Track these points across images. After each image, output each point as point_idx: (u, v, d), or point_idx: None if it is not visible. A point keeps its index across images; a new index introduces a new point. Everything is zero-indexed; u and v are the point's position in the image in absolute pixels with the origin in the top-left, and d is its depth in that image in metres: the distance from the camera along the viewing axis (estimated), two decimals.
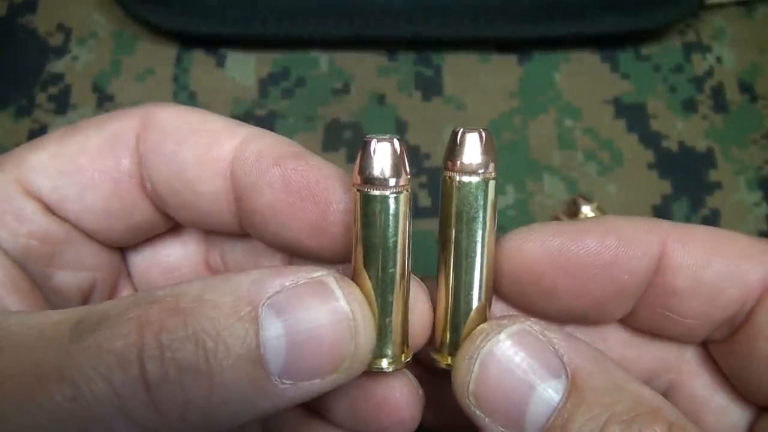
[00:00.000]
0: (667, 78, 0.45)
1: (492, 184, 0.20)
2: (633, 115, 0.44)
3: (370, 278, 0.19)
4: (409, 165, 0.19)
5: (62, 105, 0.43)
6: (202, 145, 0.21)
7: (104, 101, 0.43)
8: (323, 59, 0.45)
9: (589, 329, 0.23)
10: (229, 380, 0.17)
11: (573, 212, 0.40)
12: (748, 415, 0.23)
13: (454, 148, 0.20)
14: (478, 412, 0.19)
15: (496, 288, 0.22)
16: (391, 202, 0.19)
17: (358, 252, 0.19)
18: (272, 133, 0.22)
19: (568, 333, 0.20)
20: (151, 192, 0.22)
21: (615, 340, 0.24)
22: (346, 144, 0.42)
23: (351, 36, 0.43)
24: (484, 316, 0.20)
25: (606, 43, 0.45)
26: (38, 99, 0.43)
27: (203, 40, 0.44)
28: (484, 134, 0.19)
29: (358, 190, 0.19)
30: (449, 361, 0.21)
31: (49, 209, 0.22)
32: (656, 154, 0.43)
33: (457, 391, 0.20)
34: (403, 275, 0.20)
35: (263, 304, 0.17)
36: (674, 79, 0.45)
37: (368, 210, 0.19)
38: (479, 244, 0.20)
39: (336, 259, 0.21)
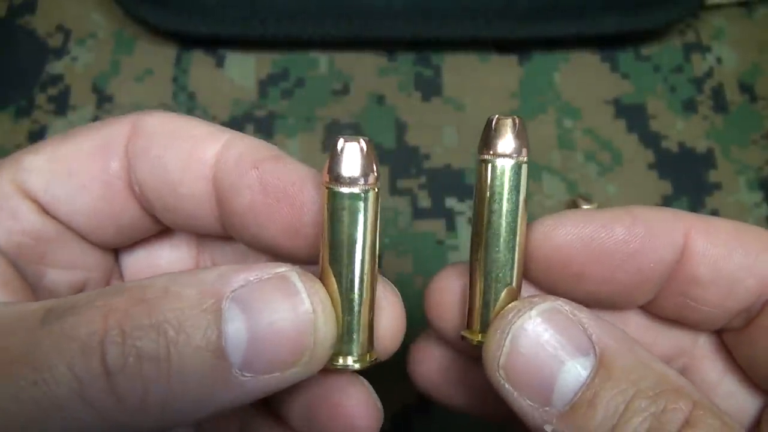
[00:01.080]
0: (667, 78, 0.45)
1: (524, 167, 0.21)
2: (633, 115, 0.44)
3: (334, 276, 0.20)
4: (377, 164, 0.20)
5: (62, 106, 0.43)
6: (186, 150, 0.22)
7: (103, 102, 0.43)
8: (323, 60, 0.45)
9: (610, 313, 0.24)
10: (189, 370, 0.17)
11: None
12: (758, 401, 0.24)
13: (489, 134, 0.21)
14: (507, 386, 0.20)
15: (526, 272, 0.22)
16: (358, 200, 0.19)
17: (324, 249, 0.20)
18: (253, 138, 0.22)
19: (596, 314, 0.20)
20: (139, 195, 0.23)
21: (635, 325, 0.24)
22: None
23: (350, 36, 0.43)
24: (515, 296, 0.21)
25: (606, 44, 0.45)
26: (38, 100, 0.43)
27: (202, 41, 0.44)
28: (517, 121, 0.21)
29: (326, 187, 0.20)
30: (480, 338, 0.21)
31: (42, 209, 0.22)
32: (656, 155, 0.43)
33: (487, 365, 0.20)
34: (368, 274, 0.20)
35: (227, 297, 0.18)
36: (674, 79, 0.45)
37: (335, 207, 0.20)
38: (512, 225, 0.21)
39: (312, 260, 0.22)
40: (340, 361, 0.20)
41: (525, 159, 0.21)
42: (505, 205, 0.21)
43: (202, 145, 0.22)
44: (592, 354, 0.19)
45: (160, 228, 0.24)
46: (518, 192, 0.21)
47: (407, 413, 0.37)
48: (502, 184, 0.21)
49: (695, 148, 0.43)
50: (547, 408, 0.19)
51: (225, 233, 0.23)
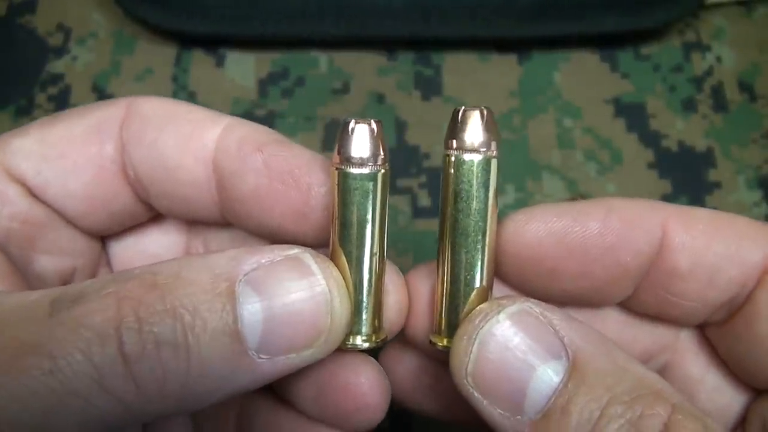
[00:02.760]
0: (667, 77, 0.45)
1: (494, 162, 0.19)
2: (632, 114, 0.44)
3: (345, 255, 0.20)
4: (385, 146, 0.20)
5: (62, 105, 0.43)
6: (184, 134, 0.21)
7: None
8: (323, 59, 0.45)
9: (588, 311, 0.23)
10: (207, 354, 0.17)
11: None
12: (742, 397, 0.23)
13: (455, 127, 0.19)
14: (476, 394, 0.19)
15: (497, 269, 0.21)
16: (368, 180, 0.20)
17: (334, 230, 0.20)
18: (253, 123, 0.22)
19: (568, 314, 0.20)
20: (133, 180, 0.22)
21: (614, 322, 0.24)
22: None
23: (350, 36, 0.43)
24: (484, 297, 0.20)
25: (605, 43, 0.45)
26: (38, 99, 0.43)
27: (202, 40, 0.44)
28: (485, 112, 0.19)
29: (336, 168, 0.20)
30: (447, 343, 0.20)
31: (31, 193, 0.22)
32: (656, 154, 0.43)
33: (454, 373, 0.19)
34: (377, 254, 0.20)
35: (240, 280, 0.18)
36: (674, 78, 0.45)
37: (345, 188, 0.20)
38: (480, 224, 0.20)
39: (318, 244, 0.21)
40: (350, 340, 0.20)
41: (495, 153, 0.19)
42: (473, 204, 0.19)
43: (201, 129, 0.21)
44: (565, 357, 0.18)
45: (151, 214, 0.24)
46: (487, 189, 0.19)
47: (408, 412, 0.37)
48: (469, 181, 0.19)
49: (695, 147, 0.43)
50: (518, 416, 0.18)
51: (221, 219, 0.23)
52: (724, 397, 0.23)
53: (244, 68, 0.44)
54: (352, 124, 0.20)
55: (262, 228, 0.22)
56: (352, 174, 0.19)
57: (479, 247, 0.20)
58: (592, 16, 0.43)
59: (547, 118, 0.43)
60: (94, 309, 0.17)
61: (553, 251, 0.21)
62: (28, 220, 0.22)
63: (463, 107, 0.19)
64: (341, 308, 0.19)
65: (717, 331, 0.22)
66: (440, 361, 0.24)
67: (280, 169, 0.21)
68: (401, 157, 0.42)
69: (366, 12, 0.42)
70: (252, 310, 0.18)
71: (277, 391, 0.24)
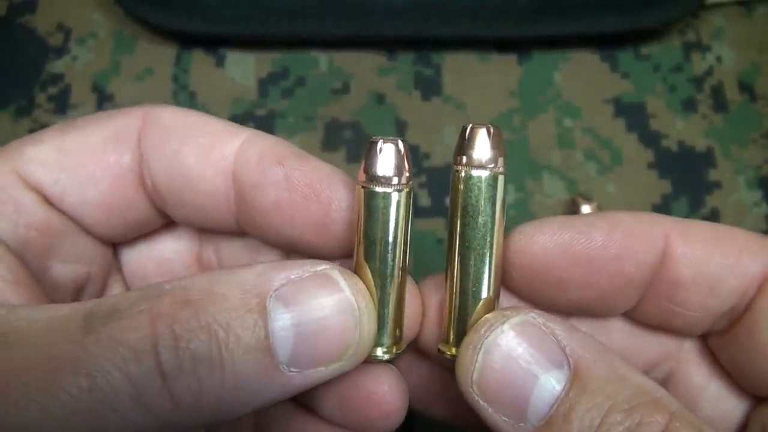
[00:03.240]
0: (667, 77, 0.45)
1: (501, 178, 0.20)
2: (633, 114, 0.44)
3: (370, 271, 0.20)
4: (410, 165, 0.20)
5: (62, 105, 0.43)
6: (204, 145, 0.22)
7: (104, 101, 0.43)
8: (323, 59, 0.45)
9: (593, 322, 0.24)
10: (240, 369, 0.18)
11: (573, 212, 0.40)
12: (744, 405, 0.23)
13: (463, 143, 0.20)
14: (481, 402, 0.20)
15: (505, 281, 0.22)
16: (393, 199, 0.20)
17: (360, 246, 0.20)
18: (272, 136, 0.22)
19: (571, 324, 0.20)
20: (150, 189, 0.22)
21: (618, 332, 0.24)
22: (345, 144, 0.42)
23: (350, 35, 0.43)
24: (491, 308, 0.21)
25: (605, 43, 0.45)
26: (38, 99, 0.43)
27: (203, 40, 0.44)
28: (492, 130, 0.20)
29: (363, 187, 0.20)
30: (455, 352, 0.21)
31: (47, 201, 0.22)
32: (656, 154, 0.43)
33: (460, 381, 0.20)
34: (401, 268, 0.21)
35: (271, 296, 0.18)
36: (674, 78, 0.45)
37: (371, 206, 0.20)
38: (487, 237, 0.20)
39: (335, 255, 0.22)
40: (374, 352, 0.21)
41: (501, 170, 0.20)
42: (480, 218, 0.20)
43: (221, 141, 0.22)
44: (566, 366, 0.19)
45: (164, 222, 0.24)
46: (494, 204, 0.20)
47: (408, 412, 0.37)
48: (476, 196, 0.20)
49: (695, 147, 0.43)
50: (522, 423, 0.19)
51: (236, 229, 0.23)
52: (725, 404, 0.23)
53: (244, 68, 0.44)
54: (379, 144, 0.20)
55: (281, 239, 0.22)
56: (378, 192, 0.20)
57: (486, 259, 0.20)
58: (592, 16, 0.43)
59: (547, 118, 0.43)
60: (129, 326, 0.17)
61: (559, 262, 0.21)
62: (44, 229, 0.22)
63: (471, 125, 0.20)
64: (368, 323, 0.19)
65: (719, 340, 0.23)
66: (449, 368, 0.24)
67: (301, 183, 0.21)
68: None
69: (366, 12, 0.42)
70: (283, 325, 0.18)
71: (299, 398, 0.24)
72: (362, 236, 0.20)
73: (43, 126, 0.42)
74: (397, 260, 0.20)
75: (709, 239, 0.22)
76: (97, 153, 0.22)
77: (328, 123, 0.43)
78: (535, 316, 0.20)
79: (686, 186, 0.42)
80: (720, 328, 0.22)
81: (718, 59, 0.45)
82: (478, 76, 0.45)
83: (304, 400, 0.24)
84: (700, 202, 0.42)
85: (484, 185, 0.20)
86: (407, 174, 0.20)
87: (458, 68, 0.45)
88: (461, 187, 0.20)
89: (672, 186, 0.42)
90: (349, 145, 0.42)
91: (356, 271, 0.21)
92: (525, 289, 0.23)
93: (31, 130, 0.42)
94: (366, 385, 0.22)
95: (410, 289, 0.22)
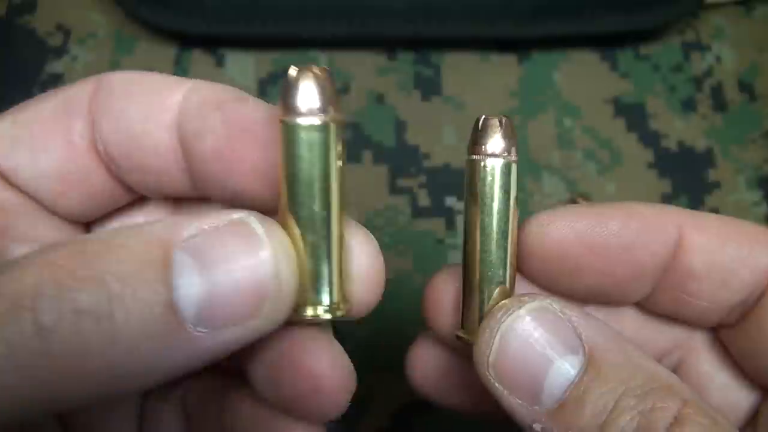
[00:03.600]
0: (667, 77, 0.45)
1: (513, 166, 0.21)
2: (632, 114, 0.44)
3: (295, 218, 0.18)
4: (337, 96, 0.18)
5: None
6: (148, 98, 0.20)
7: None
8: (322, 59, 0.45)
9: (606, 310, 0.24)
10: (136, 326, 0.16)
11: None
12: (752, 397, 0.24)
13: (477, 134, 0.21)
14: (496, 384, 0.20)
15: (521, 267, 0.22)
16: (315, 132, 0.18)
17: (282, 190, 0.19)
18: (221, 84, 0.21)
19: (586, 312, 0.20)
20: (104, 154, 0.21)
21: (631, 321, 0.24)
22: (345, 144, 0.42)
23: (350, 35, 0.43)
24: (507, 294, 0.21)
25: (605, 43, 0.45)
26: None
27: (202, 40, 0.44)
28: (505, 120, 0.21)
29: (281, 120, 0.18)
30: (471, 337, 0.21)
31: (3, 179, 0.21)
32: (655, 154, 0.43)
33: (477, 364, 0.20)
34: (334, 215, 0.19)
35: (177, 247, 0.17)
36: (673, 78, 0.45)
37: (291, 141, 0.18)
38: (502, 224, 0.21)
39: None
40: (309, 311, 0.19)
41: (514, 158, 0.21)
42: (495, 205, 0.21)
43: (164, 93, 0.20)
44: (581, 352, 0.19)
45: (131, 197, 0.23)
46: (508, 191, 0.21)
47: (408, 412, 0.37)
48: (491, 184, 0.21)
49: (695, 147, 0.43)
50: (536, 406, 0.19)
51: (196, 192, 0.22)
52: (733, 395, 0.24)
53: (244, 68, 0.44)
54: (294, 72, 0.18)
55: (230, 194, 0.20)
56: (297, 125, 0.18)
57: (502, 245, 0.21)
58: (592, 16, 0.43)
59: (546, 117, 0.43)
60: (13, 278, 0.16)
61: (575, 250, 0.22)
62: (0, 207, 0.21)
63: (484, 116, 0.21)
64: (287, 274, 0.18)
65: (729, 332, 0.23)
66: (465, 356, 0.24)
67: (238, 126, 0.19)
68: (401, 157, 0.42)
69: (366, 12, 0.42)
70: (189, 278, 0.16)
71: (232, 372, 0.23)
72: (284, 178, 0.18)
73: None
74: (326, 205, 0.19)
75: (722, 231, 0.22)
76: (48, 122, 0.21)
77: None
78: (552, 303, 0.20)
79: (686, 186, 0.42)
80: (731, 320, 0.23)
81: (718, 59, 0.45)
82: (478, 76, 0.45)
83: (237, 372, 0.23)
84: (699, 201, 0.42)
85: (498, 173, 0.21)
86: (333, 107, 0.18)
87: (458, 68, 0.45)
88: (477, 175, 0.21)
89: (672, 186, 0.42)
90: (349, 145, 0.42)
91: (282, 220, 0.19)
92: (540, 277, 0.23)
93: None
94: (295, 354, 0.20)
95: (363, 241, 0.20)
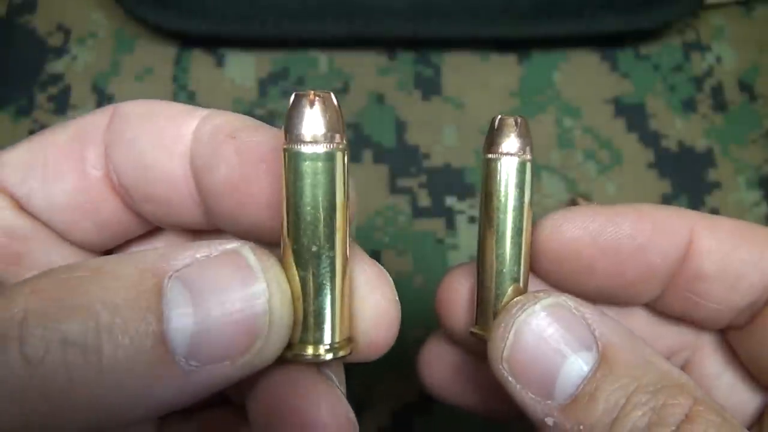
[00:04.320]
0: (667, 77, 0.45)
1: (529, 165, 0.21)
2: (632, 114, 0.44)
3: (295, 250, 0.18)
4: (343, 123, 0.18)
5: (62, 105, 0.43)
6: (161, 127, 0.20)
7: (104, 101, 0.43)
8: (323, 59, 0.45)
9: (616, 310, 0.24)
10: (124, 359, 0.15)
11: None
12: (758, 399, 0.24)
13: (492, 133, 0.21)
14: (510, 379, 0.20)
15: (534, 266, 0.23)
16: (320, 162, 0.17)
17: (284, 221, 0.18)
18: (232, 113, 0.20)
19: (600, 309, 0.21)
20: (117, 185, 0.21)
21: (639, 321, 0.25)
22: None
23: (350, 35, 0.43)
24: (522, 291, 0.22)
25: (605, 43, 0.45)
26: (38, 99, 0.43)
27: (203, 40, 0.44)
28: (520, 120, 0.21)
29: (284, 148, 0.17)
30: (486, 332, 0.21)
31: (18, 206, 0.21)
32: (656, 154, 0.43)
33: (491, 358, 0.20)
34: (334, 248, 0.18)
35: (170, 276, 0.16)
36: (674, 78, 0.45)
37: (293, 170, 0.17)
38: (517, 222, 0.21)
39: None
40: (309, 350, 0.18)
41: (529, 157, 0.21)
42: (510, 203, 0.21)
43: (178, 122, 0.20)
44: (595, 349, 0.19)
45: (146, 227, 0.23)
46: (523, 189, 0.21)
47: (409, 411, 0.37)
48: (506, 182, 0.21)
49: (695, 147, 0.43)
50: (548, 401, 0.19)
51: (209, 224, 0.21)
52: (739, 396, 0.24)
53: (244, 68, 0.44)
54: (300, 99, 0.17)
55: (243, 227, 0.20)
56: (300, 153, 0.17)
57: (516, 243, 0.21)
58: (592, 16, 0.43)
59: (546, 117, 0.43)
60: (1, 306, 0.15)
61: (587, 250, 0.22)
62: (14, 234, 0.21)
63: (500, 115, 0.21)
64: (281, 308, 0.17)
65: (738, 334, 0.23)
66: (478, 355, 0.25)
67: (252, 156, 0.19)
68: (401, 157, 0.42)
69: (366, 12, 0.42)
70: (181, 310, 0.16)
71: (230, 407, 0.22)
72: (286, 209, 0.17)
73: (43, 126, 0.42)
74: (331, 239, 0.18)
75: (733, 234, 0.22)
76: (62, 151, 0.21)
77: None
78: (567, 299, 0.20)
79: (686, 186, 0.42)
80: (740, 322, 0.23)
81: (718, 59, 0.45)
82: (478, 76, 0.45)
83: (236, 403, 0.22)
84: (700, 201, 0.42)
85: (514, 172, 0.21)
86: (338, 134, 0.17)
87: (458, 68, 0.45)
88: (493, 173, 0.21)
89: (672, 186, 0.42)
90: (349, 146, 0.42)
91: (282, 252, 0.18)
92: (553, 275, 0.23)
93: (31, 131, 0.42)
94: (293, 400, 0.19)
95: (376, 277, 0.20)
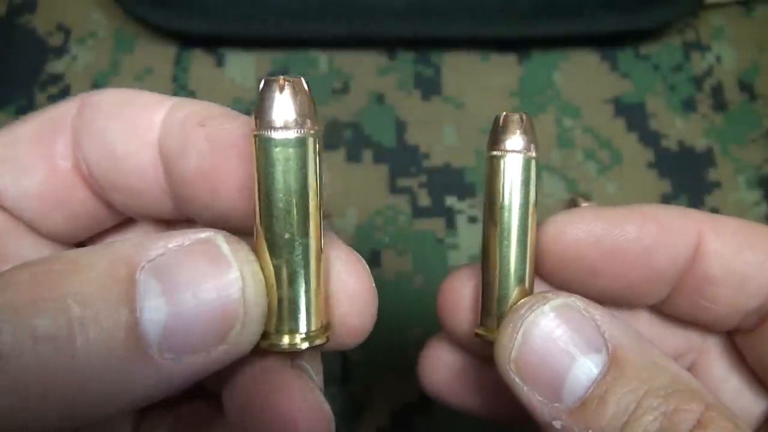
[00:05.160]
0: (667, 77, 0.45)
1: (533, 163, 0.21)
2: (632, 114, 0.44)
3: (268, 238, 0.17)
4: (314, 108, 0.17)
5: None
6: (131, 117, 0.20)
7: None
8: (322, 59, 0.45)
9: (622, 312, 0.24)
10: (97, 352, 0.15)
11: None
12: (764, 402, 0.24)
13: (497, 130, 0.21)
14: (517, 380, 0.19)
15: (538, 268, 0.22)
16: (291, 148, 0.17)
17: (256, 208, 0.18)
18: (204, 101, 0.20)
19: (610, 311, 0.20)
20: (87, 175, 0.21)
21: (644, 323, 0.24)
22: (345, 143, 0.42)
23: (350, 35, 0.43)
24: (528, 291, 0.21)
25: (605, 43, 0.45)
26: (38, 99, 0.43)
27: (203, 40, 0.44)
28: (525, 117, 0.21)
29: (254, 135, 0.17)
30: (494, 335, 0.21)
31: None
32: (656, 154, 0.43)
33: (498, 359, 0.20)
34: (309, 235, 0.18)
35: (142, 267, 0.16)
36: (674, 78, 0.45)
37: (264, 157, 0.17)
38: (522, 221, 0.21)
39: None
40: (285, 340, 0.18)
41: (533, 155, 0.21)
42: (516, 201, 0.21)
43: (147, 112, 0.20)
44: (605, 351, 0.19)
45: (118, 218, 0.23)
46: (528, 188, 0.21)
47: (408, 411, 0.37)
48: (511, 181, 0.21)
49: (695, 146, 0.43)
50: (556, 404, 0.19)
51: (179, 214, 0.21)
52: (745, 399, 0.24)
53: (244, 68, 0.44)
54: (269, 84, 0.17)
55: (214, 215, 0.20)
56: (274, 140, 0.17)
57: (522, 242, 0.21)
58: (592, 16, 0.43)
59: (546, 117, 0.43)
60: None
61: (592, 252, 0.22)
62: None
63: (504, 113, 0.21)
64: (254, 296, 0.17)
65: (745, 337, 0.23)
66: (482, 357, 0.24)
67: (223, 143, 0.18)
68: (401, 157, 0.42)
69: (366, 12, 0.42)
70: (154, 300, 0.16)
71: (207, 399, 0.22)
72: (258, 197, 0.17)
73: None
74: (305, 226, 0.17)
75: (740, 236, 0.22)
76: (32, 142, 0.20)
77: (328, 123, 0.43)
78: (576, 300, 0.20)
79: (686, 186, 0.42)
80: (747, 325, 0.23)
81: (718, 59, 0.45)
82: (477, 76, 0.45)
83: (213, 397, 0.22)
84: (700, 201, 0.42)
85: (519, 169, 0.21)
86: (309, 120, 0.17)
87: (458, 68, 0.45)
88: (498, 171, 0.21)
89: (672, 186, 0.42)
90: (349, 145, 0.42)
91: (255, 240, 0.18)
92: (558, 277, 0.23)
93: None
94: (269, 394, 0.19)
95: (352, 264, 0.20)
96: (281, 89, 0.17)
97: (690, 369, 0.25)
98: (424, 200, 0.41)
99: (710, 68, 0.45)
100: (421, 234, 0.41)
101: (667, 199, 0.42)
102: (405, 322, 0.38)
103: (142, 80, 0.44)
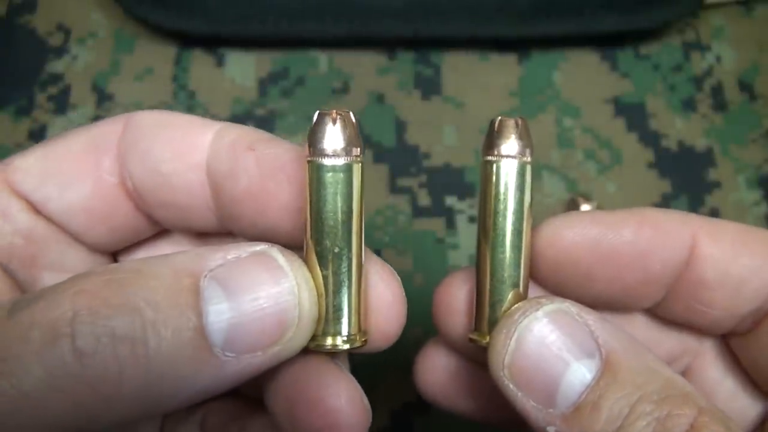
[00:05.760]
0: (667, 77, 0.45)
1: (528, 168, 0.21)
2: (632, 114, 0.44)
3: (317, 252, 0.20)
4: (360, 138, 0.20)
5: (62, 105, 0.43)
6: (177, 138, 0.21)
7: (104, 101, 0.43)
8: (322, 59, 0.45)
9: (616, 316, 0.24)
10: (168, 351, 0.17)
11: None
12: (759, 405, 0.24)
13: (492, 134, 0.21)
14: (511, 386, 0.20)
15: (533, 272, 0.22)
16: (340, 172, 0.19)
17: (307, 226, 0.20)
18: (245, 126, 0.22)
19: (603, 316, 0.20)
20: (132, 191, 0.22)
21: (639, 327, 0.24)
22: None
23: (350, 35, 0.43)
24: (522, 296, 0.21)
25: (605, 42, 0.45)
26: (38, 99, 0.43)
27: (203, 40, 0.44)
28: (520, 122, 0.21)
29: (308, 161, 0.19)
30: (487, 339, 0.21)
31: (33, 209, 0.22)
32: (656, 153, 0.43)
33: (492, 365, 0.20)
34: (352, 249, 0.20)
35: (205, 276, 0.18)
36: (674, 78, 0.45)
37: (317, 180, 0.19)
38: (517, 226, 0.21)
39: None
40: (329, 341, 0.20)
41: (529, 159, 0.21)
42: (510, 206, 0.21)
43: (194, 134, 0.21)
44: (598, 356, 0.19)
45: (156, 229, 0.24)
46: (522, 192, 0.21)
47: (408, 411, 0.37)
48: (506, 185, 0.21)
49: (695, 146, 0.43)
50: (550, 409, 0.19)
51: (221, 228, 0.23)
52: (740, 402, 0.24)
53: (244, 68, 0.44)
54: (324, 116, 0.19)
55: (258, 230, 0.21)
56: (322, 165, 0.19)
57: (516, 247, 0.21)
58: (592, 16, 0.43)
59: (546, 117, 0.43)
60: (48, 306, 0.16)
61: (587, 256, 0.22)
62: (31, 236, 0.22)
63: (500, 117, 0.21)
64: (309, 303, 0.19)
65: (741, 340, 0.23)
66: (477, 361, 0.24)
67: (271, 167, 0.20)
68: (401, 157, 0.42)
69: (366, 12, 0.42)
70: (217, 306, 0.17)
71: (250, 398, 0.23)
72: (308, 214, 0.20)
73: (42, 126, 0.42)
74: (345, 241, 0.20)
75: (736, 240, 0.22)
76: (78, 158, 0.22)
77: None
78: (570, 305, 0.20)
79: (686, 185, 0.42)
80: (742, 328, 0.23)
81: (718, 59, 0.45)
82: (477, 75, 0.45)
83: (256, 401, 0.23)
84: (700, 201, 0.42)
85: (514, 174, 0.21)
86: (357, 147, 0.19)
87: (458, 68, 0.45)
88: (492, 176, 0.21)
89: (672, 186, 0.42)
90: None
91: (305, 252, 0.20)
92: (552, 282, 0.23)
93: (31, 130, 0.42)
94: (315, 389, 0.21)
95: (385, 275, 0.21)
96: (334, 122, 0.19)
97: (685, 372, 0.25)
98: (424, 200, 0.41)
99: (710, 68, 0.45)
100: (421, 234, 0.41)
101: (667, 199, 0.42)
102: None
103: (142, 80, 0.44)
